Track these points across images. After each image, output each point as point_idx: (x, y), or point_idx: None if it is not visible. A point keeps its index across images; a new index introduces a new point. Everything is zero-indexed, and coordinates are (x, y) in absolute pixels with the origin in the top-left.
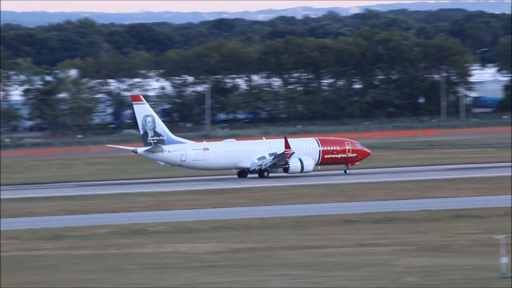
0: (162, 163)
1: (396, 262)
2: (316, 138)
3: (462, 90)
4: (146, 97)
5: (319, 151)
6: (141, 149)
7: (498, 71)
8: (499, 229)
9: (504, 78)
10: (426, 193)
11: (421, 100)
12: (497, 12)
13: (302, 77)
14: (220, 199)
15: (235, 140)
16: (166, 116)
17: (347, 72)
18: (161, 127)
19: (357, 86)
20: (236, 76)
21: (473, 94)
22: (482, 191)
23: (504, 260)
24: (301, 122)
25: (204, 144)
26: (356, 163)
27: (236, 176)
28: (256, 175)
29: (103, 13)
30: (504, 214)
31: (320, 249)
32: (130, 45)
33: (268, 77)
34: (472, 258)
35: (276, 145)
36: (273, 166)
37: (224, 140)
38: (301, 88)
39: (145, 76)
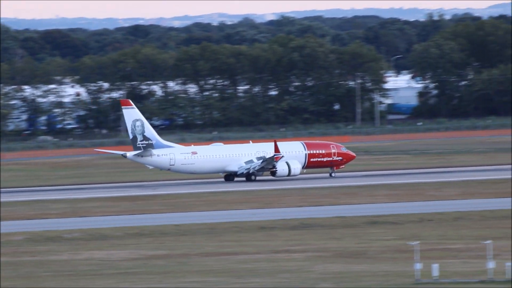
0: (151, 167)
1: (311, 269)
2: (302, 141)
3: (377, 97)
4: (61, 103)
5: (305, 154)
6: (130, 153)
7: (413, 78)
8: (413, 235)
9: (418, 85)
10: (341, 199)
11: (336, 106)
12: (411, 19)
13: (218, 84)
14: (136, 206)
15: (222, 144)
16: (81, 122)
17: (263, 79)
18: (150, 131)
19: (273, 92)
20: (151, 82)
21: (388, 101)
22: (397, 197)
23: (418, 266)
24: (217, 128)
25: (193, 148)
26: (341, 166)
27: (223, 179)
28: (244, 179)
29: (18, 19)
30: (418, 220)
31: (235, 256)
32: (45, 51)
33: (184, 84)
34: (387, 264)
35: (263, 148)
36: (261, 170)
37: (212, 144)
38: (217, 95)
39: (60, 83)
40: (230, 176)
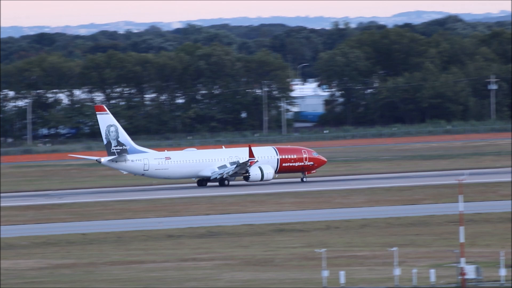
0: (125, 172)
1: (218, 277)
2: (274, 146)
3: (283, 105)
4: None
5: (277, 159)
6: (104, 159)
7: (319, 86)
8: (320, 242)
9: (324, 93)
10: (249, 207)
11: (243, 114)
12: (317, 27)
13: (125, 92)
14: (42, 215)
15: (196, 149)
16: None
17: (170, 87)
18: (124, 137)
19: (180, 100)
20: (58, 90)
21: (295, 109)
22: (304, 205)
23: (325, 273)
24: None
25: (166, 153)
26: (312, 171)
27: (196, 184)
28: (217, 184)
29: None
30: (325, 227)
31: (142, 264)
32: None
33: (90, 92)
34: (294, 272)
35: (236, 153)
36: (234, 175)
37: (185, 149)
38: (123, 103)
39: None
40: (203, 181)
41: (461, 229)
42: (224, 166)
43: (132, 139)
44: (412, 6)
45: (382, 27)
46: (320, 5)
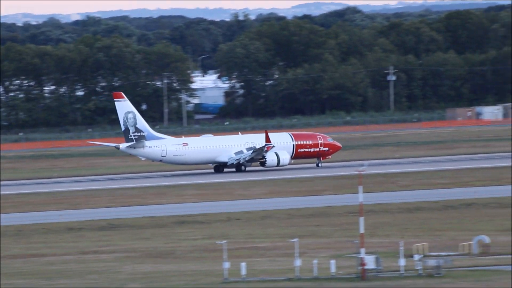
0: (143, 159)
1: (120, 269)
2: (289, 132)
3: (184, 97)
4: None
5: (293, 145)
6: (123, 145)
7: (219, 77)
8: (221, 234)
9: (224, 85)
10: (150, 199)
11: (144, 106)
12: (217, 19)
13: (24, 84)
14: None
15: (212, 135)
16: None
17: (69, 79)
18: (142, 123)
19: (80, 93)
20: None
21: (195, 101)
22: (205, 197)
23: (226, 265)
24: (23, 129)
25: (184, 139)
26: (328, 157)
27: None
28: (233, 169)
29: None
30: (226, 219)
31: (43, 258)
32: None
33: None
34: (195, 264)
35: (252, 139)
36: (250, 160)
37: (202, 136)
38: (22, 96)
39: None
40: (219, 167)
41: (361, 219)
42: (241, 152)
43: (30, 132)
44: None
45: (282, 18)
46: None
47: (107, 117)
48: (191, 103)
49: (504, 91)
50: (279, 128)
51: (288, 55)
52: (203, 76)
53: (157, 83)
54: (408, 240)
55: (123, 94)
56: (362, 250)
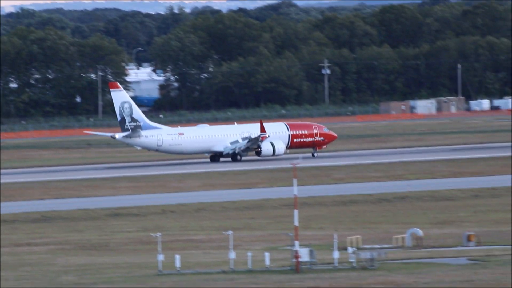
0: (139, 148)
1: (53, 262)
2: (285, 122)
3: None
4: None
5: (289, 135)
6: (119, 135)
7: (154, 70)
8: (156, 226)
9: (159, 78)
10: (84, 192)
11: (78, 99)
12: (152, 12)
13: None
14: None
15: (208, 125)
16: None
17: (3, 71)
18: (138, 113)
19: (13, 85)
20: None
21: (130, 94)
22: (139, 189)
23: (161, 257)
24: None
25: (179, 129)
26: (323, 147)
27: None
28: (229, 159)
29: None
30: (160, 212)
31: None
32: None
33: None
34: (130, 256)
35: (248, 129)
36: (246, 150)
37: (198, 125)
38: None
39: None
40: (215, 157)
41: (296, 212)
42: (236, 142)
43: None
44: None
45: (217, 12)
46: None
47: (41, 110)
48: None
49: (437, 85)
50: (214, 121)
51: (223, 48)
52: (138, 69)
53: (92, 76)
54: (342, 232)
55: (118, 84)
56: (296, 243)
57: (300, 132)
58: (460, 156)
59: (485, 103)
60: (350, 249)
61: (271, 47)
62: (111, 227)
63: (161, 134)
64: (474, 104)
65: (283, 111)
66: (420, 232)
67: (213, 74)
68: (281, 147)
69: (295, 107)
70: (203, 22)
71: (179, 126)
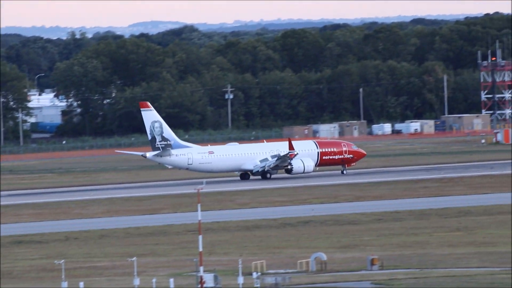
0: (170, 167)
1: None
2: (314, 140)
3: (20, 116)
4: None
5: (318, 152)
6: (150, 154)
7: (56, 96)
8: (59, 254)
9: (62, 103)
10: None
11: None
12: (54, 37)
13: None
14: None
15: (238, 143)
16: None
17: None
18: (168, 132)
19: None
20: None
21: (32, 120)
22: (42, 216)
23: (65, 284)
24: None
25: (209, 147)
26: (352, 164)
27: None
28: (259, 177)
29: None
30: (64, 238)
31: None
32: None
33: None
34: (34, 284)
35: (277, 147)
36: (275, 168)
37: (228, 144)
38: None
39: None
40: (245, 175)
41: (200, 238)
42: (266, 160)
43: None
44: (148, 16)
45: (119, 37)
46: (55, 15)
47: None
48: (28, 122)
49: (339, 109)
50: (117, 146)
51: (126, 73)
52: (40, 95)
53: None
54: (246, 258)
55: (149, 103)
56: (201, 268)
57: (329, 150)
58: (363, 180)
59: (387, 127)
60: (254, 274)
61: (174, 72)
62: (14, 254)
63: (191, 153)
64: (376, 128)
65: (187, 136)
66: (324, 257)
67: (116, 99)
68: (310, 164)
69: (198, 132)
70: (105, 47)
71: (209, 145)
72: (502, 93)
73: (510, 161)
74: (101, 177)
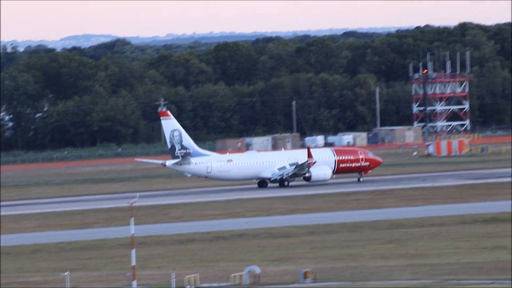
0: (189, 175)
1: None
2: (331, 148)
3: None
4: None
5: (335, 160)
6: (169, 162)
7: None
8: None
9: None
10: None
11: None
12: None
13: None
14: None
15: (256, 151)
16: None
17: None
18: (188, 140)
19: None
20: None
21: None
22: None
23: None
24: None
25: (228, 156)
26: (369, 171)
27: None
28: (277, 185)
29: None
30: None
31: None
32: None
33: None
34: None
35: (295, 155)
36: (293, 176)
37: (246, 152)
38: None
39: None
40: (263, 183)
41: (133, 252)
42: (284, 168)
43: None
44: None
45: (51, 50)
46: None
47: None
48: None
49: (272, 121)
50: (49, 161)
51: (58, 87)
52: None
53: None
54: (180, 271)
55: (169, 112)
56: (134, 283)
57: (346, 158)
58: (296, 193)
59: (320, 139)
60: None
61: (107, 86)
62: None
63: (211, 161)
64: (309, 140)
65: (119, 150)
66: (257, 270)
67: (48, 113)
68: (328, 172)
69: (131, 145)
70: (37, 61)
71: (227, 153)
72: (434, 106)
73: (442, 173)
74: (33, 192)
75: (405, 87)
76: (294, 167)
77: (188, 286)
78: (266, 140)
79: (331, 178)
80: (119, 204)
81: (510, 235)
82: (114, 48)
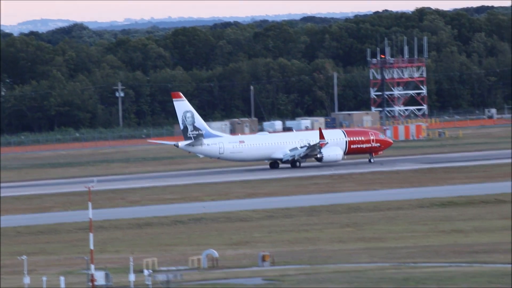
0: (201, 156)
1: None
2: (342, 129)
3: None
4: None
5: (346, 141)
6: (182, 143)
7: None
8: None
9: None
10: None
11: None
12: None
13: None
14: None
15: (268, 132)
16: None
17: None
18: (200, 122)
19: None
20: None
21: None
22: None
23: None
24: None
25: (240, 137)
26: (379, 152)
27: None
28: (289, 165)
29: None
30: None
31: None
32: None
33: None
34: None
35: (306, 137)
36: (305, 157)
37: (258, 133)
38: None
39: None
40: (275, 164)
41: (91, 236)
42: (295, 149)
43: None
44: (38, 15)
45: (8, 35)
46: None
47: None
48: None
49: (231, 106)
50: (7, 145)
51: (15, 72)
52: None
53: None
54: (138, 255)
55: (181, 94)
56: (92, 266)
57: (357, 139)
58: (254, 177)
59: (278, 124)
60: (146, 272)
61: (64, 70)
62: None
63: (223, 142)
64: (267, 125)
65: (77, 134)
66: (215, 253)
67: (5, 98)
68: (339, 153)
69: (89, 130)
70: None
71: (239, 134)
72: (391, 90)
73: (400, 157)
74: None
75: (363, 72)
76: (305, 148)
77: (146, 270)
78: (225, 125)
79: (342, 159)
80: (77, 188)
81: (466, 218)
82: (72, 33)
